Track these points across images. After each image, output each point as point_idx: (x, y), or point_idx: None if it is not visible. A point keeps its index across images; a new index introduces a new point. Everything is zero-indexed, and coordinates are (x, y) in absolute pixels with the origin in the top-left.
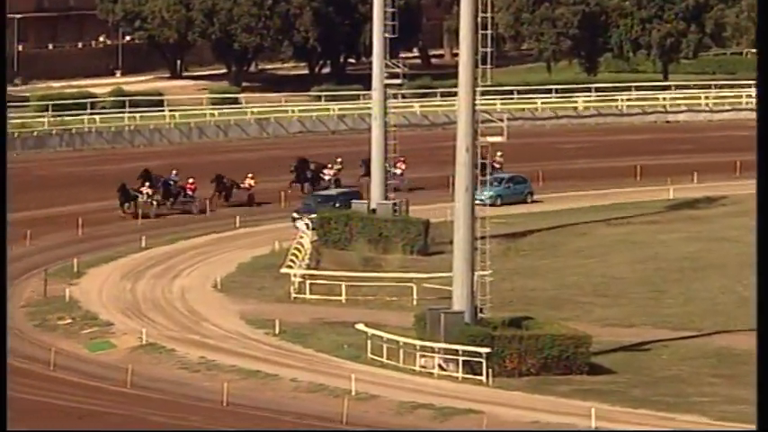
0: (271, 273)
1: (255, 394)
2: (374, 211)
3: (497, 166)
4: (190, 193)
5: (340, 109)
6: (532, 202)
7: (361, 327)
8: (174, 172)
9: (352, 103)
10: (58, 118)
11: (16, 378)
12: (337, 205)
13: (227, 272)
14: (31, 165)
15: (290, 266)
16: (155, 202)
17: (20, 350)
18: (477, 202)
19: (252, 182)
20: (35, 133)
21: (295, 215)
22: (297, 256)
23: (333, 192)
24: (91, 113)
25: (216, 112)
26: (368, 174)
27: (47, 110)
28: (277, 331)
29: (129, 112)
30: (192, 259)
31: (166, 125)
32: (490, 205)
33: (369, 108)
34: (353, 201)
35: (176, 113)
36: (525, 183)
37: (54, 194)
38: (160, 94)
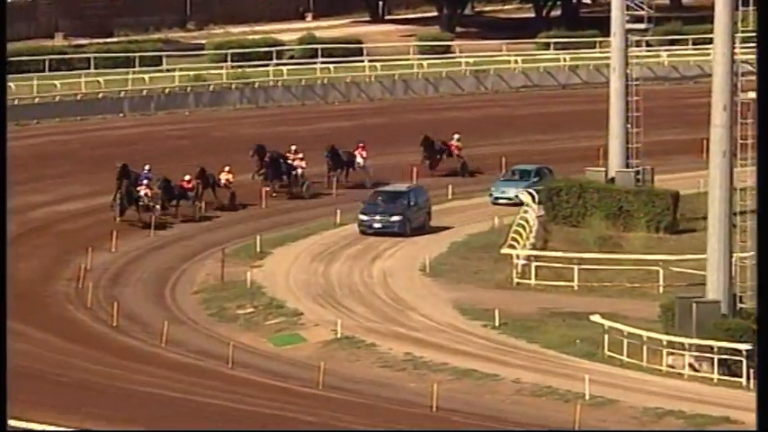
0: (489, 253)
1: (470, 398)
2: (612, 180)
3: (456, 151)
4: (191, 193)
5: (572, 59)
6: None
7: (596, 318)
8: (147, 167)
9: (586, 51)
10: (238, 70)
11: (188, 378)
12: (411, 204)
13: (437, 252)
14: (207, 125)
15: (513, 246)
16: (156, 206)
17: (193, 344)
18: (501, 200)
19: (229, 176)
20: (211, 87)
21: (363, 218)
22: (520, 234)
23: (401, 187)
24: (277, 64)
25: (424, 62)
26: (336, 167)
27: (225, 60)
28: (497, 323)
29: (322, 63)
30: (396, 237)
31: (366, 78)
32: (520, 204)
33: (606, 58)
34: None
35: (377, 64)
36: (551, 177)
37: (233, 159)
38: (358, 42)
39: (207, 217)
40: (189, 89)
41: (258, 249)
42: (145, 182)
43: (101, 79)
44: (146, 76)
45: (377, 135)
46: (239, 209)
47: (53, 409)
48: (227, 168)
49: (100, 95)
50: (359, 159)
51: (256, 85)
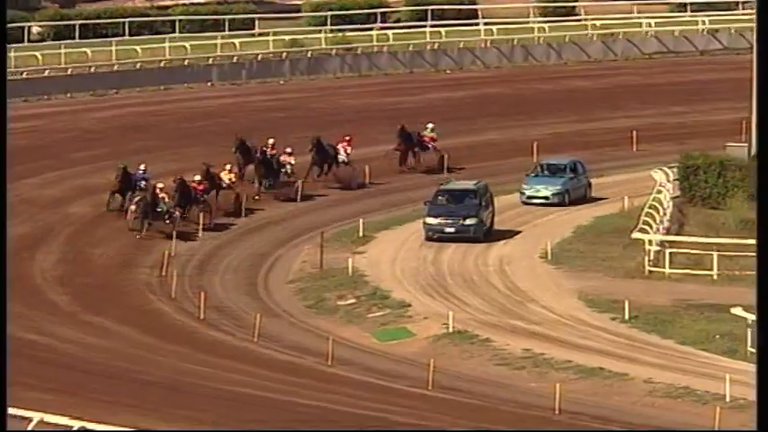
0: (619, 238)
1: (597, 399)
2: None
3: (430, 144)
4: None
5: (711, 22)
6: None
7: (738, 311)
8: (143, 167)
9: (727, 14)
10: (339, 34)
11: (283, 376)
12: (483, 204)
13: (560, 237)
14: (304, 95)
15: (645, 231)
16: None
17: (288, 339)
18: (535, 200)
19: (231, 176)
20: (309, 54)
21: (430, 220)
22: (653, 218)
23: (468, 184)
24: (381, 28)
25: (546, 26)
26: (322, 162)
27: (324, 23)
28: (626, 316)
29: (432, 27)
30: (514, 220)
31: (480, 43)
32: (557, 204)
33: (750, 21)
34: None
35: (493, 28)
36: (584, 171)
37: (331, 133)
38: (472, 3)
39: (307, 196)
40: (284, 56)
41: (361, 233)
42: (143, 184)
43: (186, 44)
44: (236, 41)
45: (492, 106)
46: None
47: (132, 410)
48: (227, 167)
49: (185, 63)
50: (342, 155)
51: (359, 51)
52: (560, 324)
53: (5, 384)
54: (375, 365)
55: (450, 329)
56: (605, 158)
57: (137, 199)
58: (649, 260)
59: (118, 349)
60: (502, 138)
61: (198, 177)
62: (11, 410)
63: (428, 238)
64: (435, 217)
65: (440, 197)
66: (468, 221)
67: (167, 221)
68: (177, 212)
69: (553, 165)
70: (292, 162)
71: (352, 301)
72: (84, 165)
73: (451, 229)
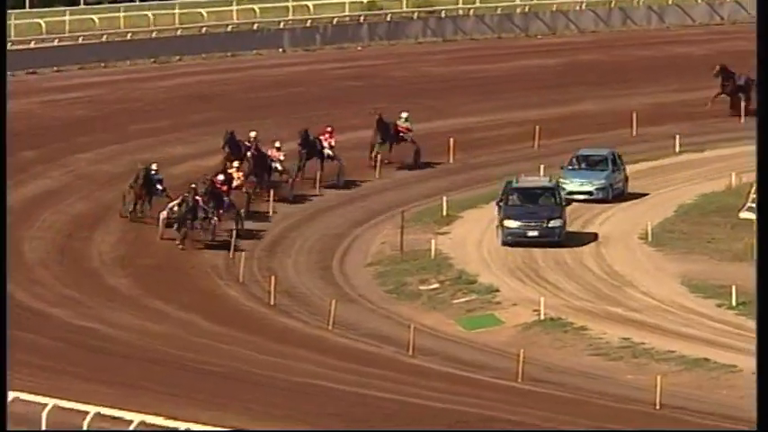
0: (726, 218)
1: (701, 393)
2: None
3: (405, 133)
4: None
5: None
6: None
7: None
8: (155, 167)
9: None
10: None
11: (361, 367)
12: (563, 204)
13: (661, 216)
14: (383, 62)
15: (754, 209)
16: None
17: (366, 327)
18: (576, 196)
19: (239, 175)
20: (388, 17)
21: (510, 223)
22: None
23: (543, 182)
24: None
25: None
26: (310, 156)
27: None
28: (734, 302)
29: None
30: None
31: (575, 6)
32: (601, 201)
33: None
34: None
35: None
36: (622, 164)
37: (413, 104)
38: None
39: (385, 173)
40: (361, 19)
41: (444, 213)
42: (159, 188)
43: (255, 7)
44: (309, 4)
45: (588, 74)
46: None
47: (197, 403)
48: (235, 165)
49: (255, 27)
50: (326, 149)
51: (443, 14)
52: (661, 311)
53: (5, 384)
54: (460, 355)
55: (542, 317)
56: (709, 131)
57: (175, 204)
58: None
59: (181, 337)
60: (597, 108)
61: (221, 177)
62: (66, 403)
63: (505, 243)
64: (515, 219)
65: (512, 196)
66: (552, 223)
67: (202, 229)
68: (213, 219)
69: (591, 157)
70: (281, 158)
71: (436, 285)
72: (144, 138)
73: (535, 233)
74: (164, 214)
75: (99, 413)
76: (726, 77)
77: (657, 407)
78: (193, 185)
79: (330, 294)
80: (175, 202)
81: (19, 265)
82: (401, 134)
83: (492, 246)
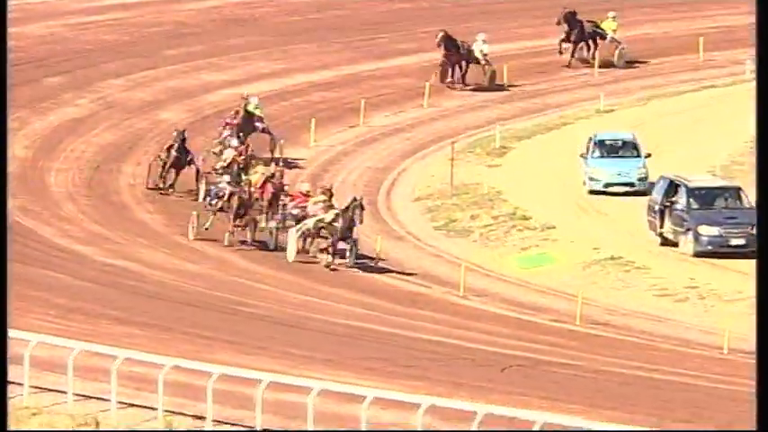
0: None
1: None
2: None
3: (482, 58)
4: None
5: None
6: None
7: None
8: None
9: None
10: None
11: (408, 309)
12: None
13: (731, 149)
14: None
15: None
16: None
17: (414, 265)
18: (615, 187)
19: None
20: None
21: (708, 230)
22: None
23: (720, 181)
24: None
25: None
26: (176, 165)
27: None
28: None
29: None
30: (676, 128)
31: None
32: (641, 194)
33: None
34: None
35: None
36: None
37: (462, 29)
38: None
39: (433, 103)
40: None
41: (498, 144)
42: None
43: None
44: None
45: None
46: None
47: (234, 347)
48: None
49: None
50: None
51: None
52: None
53: (5, 384)
54: (514, 296)
55: (602, 255)
56: None
57: (234, 203)
58: None
59: (217, 277)
60: (658, 32)
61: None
62: (95, 347)
63: (698, 254)
64: (714, 225)
65: (690, 198)
66: (752, 230)
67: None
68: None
69: (615, 141)
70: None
71: (488, 222)
72: (177, 64)
73: (741, 241)
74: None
75: (129, 358)
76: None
77: (725, 352)
78: (248, 178)
79: (376, 231)
80: (308, 224)
81: (44, 199)
82: (472, 53)
83: (548, 179)
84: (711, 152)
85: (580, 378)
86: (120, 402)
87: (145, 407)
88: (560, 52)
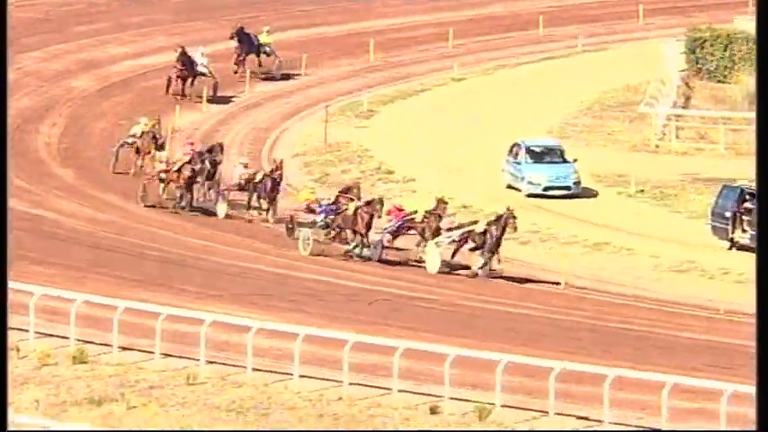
0: (625, 112)
1: (603, 274)
2: None
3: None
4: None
5: None
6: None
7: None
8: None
9: None
10: None
11: (282, 251)
12: None
13: (565, 111)
14: None
15: (651, 104)
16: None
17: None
18: (554, 191)
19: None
20: None
21: (749, 236)
22: (660, 91)
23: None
24: None
25: None
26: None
27: None
28: (632, 190)
29: None
30: (519, 94)
31: None
32: (573, 196)
33: None
34: None
35: None
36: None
37: (332, 7)
38: None
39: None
40: None
41: (365, 108)
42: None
43: None
44: None
45: None
46: None
47: (139, 284)
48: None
49: None
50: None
51: None
52: (566, 197)
53: (6, 384)
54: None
55: (456, 204)
56: (609, 31)
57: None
58: (656, 134)
59: (123, 224)
60: (505, 10)
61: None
62: (14, 284)
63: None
64: (733, 224)
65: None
66: None
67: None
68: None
69: (543, 148)
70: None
71: (357, 175)
72: (86, 39)
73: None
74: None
75: (45, 294)
76: None
77: (562, 286)
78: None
79: None
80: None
81: None
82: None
83: (410, 138)
84: (548, 114)
85: (437, 311)
86: (37, 332)
87: (59, 336)
88: (236, 63)
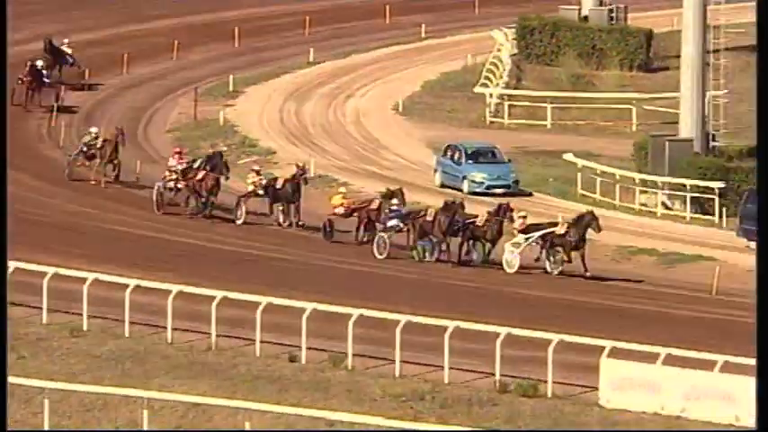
0: (463, 92)
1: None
2: (586, 18)
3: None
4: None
5: None
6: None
7: (569, 157)
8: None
9: None
10: None
11: (166, 218)
12: None
13: (410, 91)
14: None
15: (486, 85)
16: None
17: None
18: (495, 189)
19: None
20: None
21: None
22: (494, 73)
23: None
24: None
25: None
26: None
27: None
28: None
29: None
30: (369, 76)
31: None
32: (511, 195)
33: None
34: None
35: None
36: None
37: None
38: None
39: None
40: None
41: (231, 88)
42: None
43: None
44: None
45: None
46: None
47: (30, 248)
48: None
49: None
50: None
51: None
52: (410, 169)
53: (5, 385)
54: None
55: (312, 174)
56: (449, 20)
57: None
58: (490, 112)
59: (13, 192)
60: (357, 1)
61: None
62: None
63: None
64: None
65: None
66: None
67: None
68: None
69: (479, 149)
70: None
71: (224, 148)
72: None
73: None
74: (382, 238)
75: None
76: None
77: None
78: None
79: (136, 156)
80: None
81: None
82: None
83: (271, 116)
84: (396, 93)
85: (292, 269)
86: None
87: None
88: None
